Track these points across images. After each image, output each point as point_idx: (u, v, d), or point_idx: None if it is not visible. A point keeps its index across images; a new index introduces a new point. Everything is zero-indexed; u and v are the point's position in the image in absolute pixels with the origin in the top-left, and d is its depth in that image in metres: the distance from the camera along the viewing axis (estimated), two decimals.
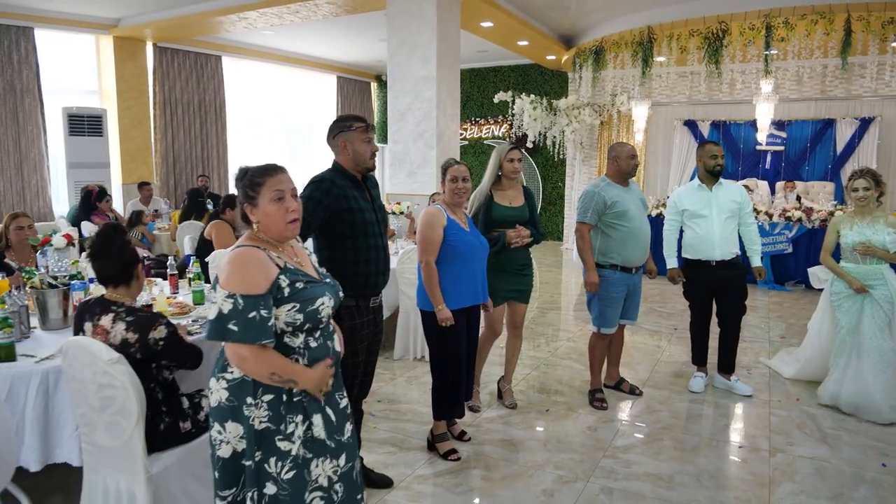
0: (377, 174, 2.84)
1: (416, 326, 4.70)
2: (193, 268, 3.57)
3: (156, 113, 10.08)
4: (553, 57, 10.59)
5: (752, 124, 9.21)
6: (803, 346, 4.52)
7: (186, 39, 10.03)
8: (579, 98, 10.22)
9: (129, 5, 8.47)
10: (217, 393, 1.82)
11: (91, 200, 6.48)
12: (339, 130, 2.63)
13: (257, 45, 10.98)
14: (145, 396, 2.21)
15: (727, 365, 4.22)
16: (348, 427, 1.94)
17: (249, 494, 1.76)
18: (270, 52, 11.35)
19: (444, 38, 6.60)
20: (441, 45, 6.54)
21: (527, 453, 3.30)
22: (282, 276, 1.78)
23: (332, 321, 2.00)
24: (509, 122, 11.71)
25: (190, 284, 3.59)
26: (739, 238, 4.16)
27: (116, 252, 2.36)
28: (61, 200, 9.11)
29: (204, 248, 4.87)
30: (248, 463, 1.76)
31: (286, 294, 1.77)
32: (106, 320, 2.27)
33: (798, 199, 8.53)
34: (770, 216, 7.82)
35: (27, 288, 2.96)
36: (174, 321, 2.69)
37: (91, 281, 3.22)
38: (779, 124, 9.62)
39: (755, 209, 7.81)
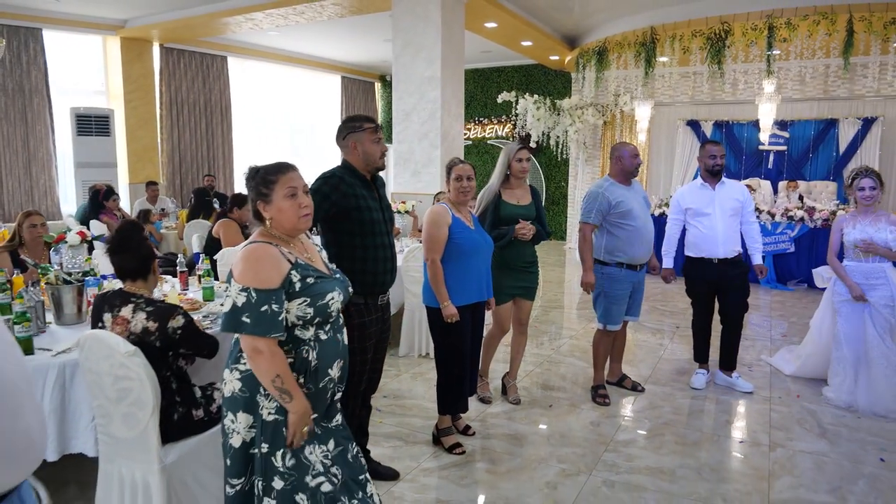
0: (382, 174, 2.89)
1: (421, 324, 4.76)
2: (203, 265, 3.64)
3: (162, 113, 10.17)
4: (556, 57, 10.64)
5: (755, 124, 9.25)
6: (804, 342, 4.57)
7: (192, 40, 10.11)
8: (582, 98, 10.27)
9: (135, 7, 8.56)
10: (231, 383, 1.89)
11: (99, 199, 6.56)
12: (350, 131, 2.67)
13: (262, 45, 11.06)
14: (160, 386, 2.27)
15: (728, 362, 4.27)
16: (338, 417, 2.01)
17: (257, 481, 1.83)
18: (275, 52, 11.43)
19: (449, 39, 6.67)
20: (445, 46, 6.60)
21: (530, 447, 3.36)
22: (293, 272, 1.84)
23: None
24: (513, 122, 11.77)
25: (200, 282, 3.67)
26: (741, 236, 4.22)
27: (136, 247, 2.44)
28: (69, 200, 9.20)
29: (212, 246, 4.94)
30: (254, 451, 1.83)
31: (297, 289, 1.84)
32: (126, 311, 2.34)
33: (800, 198, 8.56)
34: (772, 215, 7.86)
35: (42, 284, 3.04)
36: None
37: (104, 278, 3.29)
38: (781, 124, 9.65)
39: (758, 209, 7.85)
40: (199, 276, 3.69)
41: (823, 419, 3.77)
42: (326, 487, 1.87)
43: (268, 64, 11.67)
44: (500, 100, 10.76)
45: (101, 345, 2.26)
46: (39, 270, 3.05)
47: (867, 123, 9.31)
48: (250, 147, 11.69)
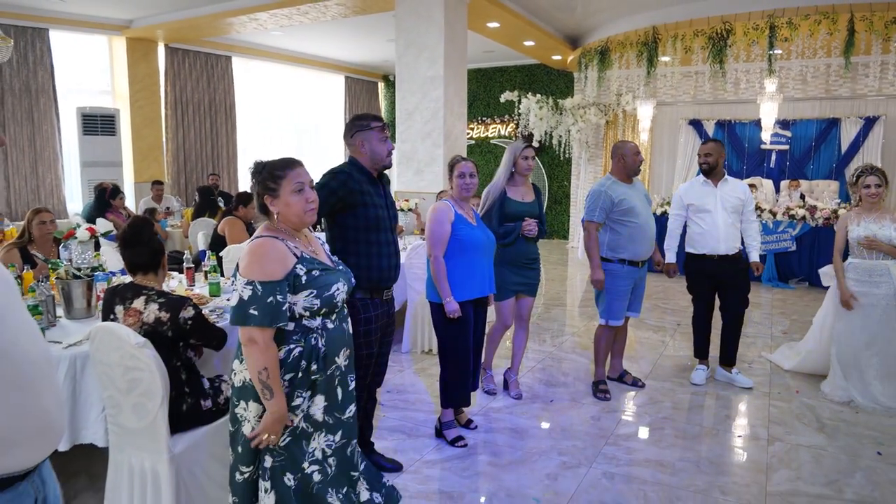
0: (387, 172, 2.94)
1: (424, 320, 4.81)
2: (209, 261, 3.70)
3: (167, 112, 10.24)
4: (559, 57, 10.68)
5: (757, 123, 9.27)
6: (806, 338, 4.60)
7: (197, 40, 10.18)
8: (585, 98, 10.31)
9: (141, 7, 8.63)
10: (241, 373, 1.94)
11: (105, 198, 6.63)
12: (357, 129, 2.72)
13: (267, 45, 11.13)
14: (169, 377, 2.33)
15: (728, 358, 4.31)
16: (351, 408, 2.06)
17: (263, 458, 1.90)
18: (280, 52, 11.50)
19: (452, 39, 6.72)
20: (448, 46, 6.65)
21: (532, 441, 3.41)
22: (299, 266, 1.90)
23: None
24: (516, 122, 11.82)
25: (206, 278, 3.72)
26: (741, 234, 4.26)
27: (147, 241, 2.51)
28: (75, 198, 9.28)
29: (217, 243, 5.00)
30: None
31: (303, 281, 1.89)
32: (139, 303, 2.40)
33: (802, 197, 8.59)
34: (774, 214, 7.89)
35: (52, 279, 3.09)
36: None
37: (113, 274, 3.35)
38: (783, 123, 9.68)
39: (760, 207, 7.88)
40: (206, 273, 3.75)
41: (822, 414, 3.81)
42: (317, 476, 1.92)
43: (272, 64, 11.74)
44: (502, 99, 10.81)
45: (112, 336, 2.31)
46: (50, 266, 3.11)
47: (869, 122, 9.33)
48: (254, 146, 11.76)
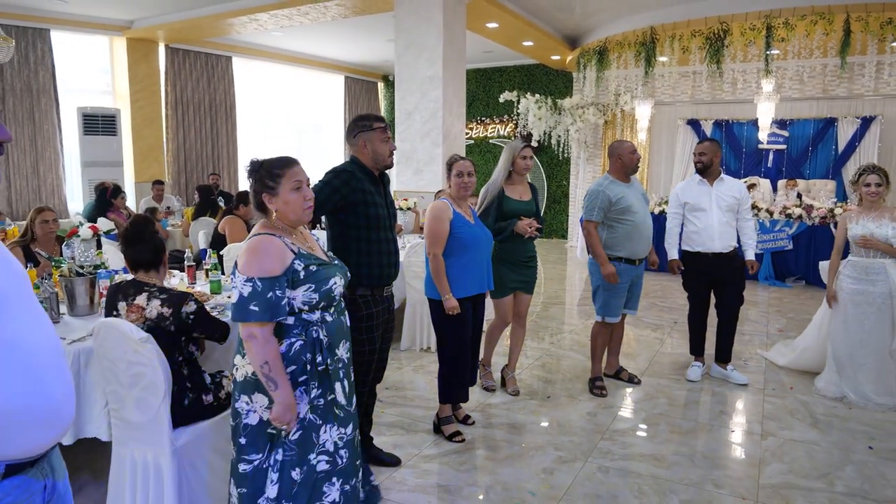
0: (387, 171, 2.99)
1: (423, 318, 4.86)
2: (210, 259, 3.75)
3: (168, 112, 10.29)
4: (558, 57, 10.73)
5: (755, 123, 9.33)
6: (804, 334, 4.63)
7: (198, 41, 10.23)
8: (583, 97, 10.36)
9: (142, 8, 8.68)
10: (243, 368, 1.99)
11: (107, 197, 6.68)
12: (360, 129, 2.76)
13: (267, 45, 11.18)
14: (172, 372, 2.38)
15: (724, 354, 4.36)
16: (354, 399, 2.12)
17: (275, 452, 1.94)
18: (280, 52, 11.55)
19: (450, 39, 6.77)
20: (447, 47, 6.70)
21: (528, 436, 3.46)
22: (297, 261, 1.95)
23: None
24: (514, 122, 11.86)
25: (207, 275, 3.77)
26: (737, 232, 4.31)
27: (149, 239, 2.56)
28: (75, 198, 9.33)
29: (218, 242, 5.05)
30: (273, 430, 1.93)
31: (301, 277, 1.94)
32: (141, 299, 2.45)
33: (799, 196, 8.64)
34: (771, 213, 7.94)
35: (55, 277, 3.14)
36: None
37: (115, 272, 3.40)
38: (781, 123, 9.73)
39: (757, 206, 7.94)
40: (207, 271, 3.80)
41: (816, 410, 3.85)
42: (323, 467, 1.97)
43: (272, 64, 11.79)
44: (501, 99, 10.86)
45: (115, 332, 2.36)
46: (53, 263, 3.15)
47: (866, 122, 9.38)
48: (254, 146, 11.81)
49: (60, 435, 1.31)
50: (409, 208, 6.18)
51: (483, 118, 12.73)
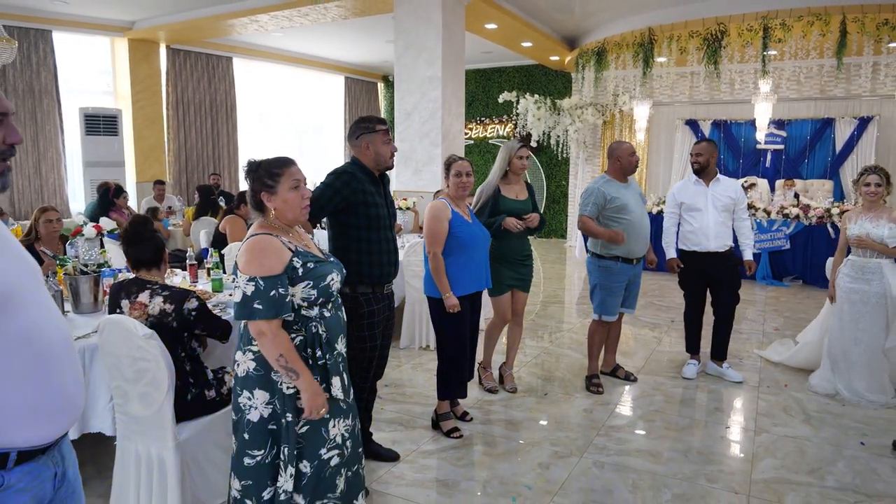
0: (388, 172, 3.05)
1: (422, 317, 4.92)
2: (212, 258, 3.81)
3: (169, 113, 10.34)
4: (556, 58, 10.78)
5: (753, 123, 9.37)
6: (807, 330, 4.67)
7: (198, 41, 10.28)
8: (582, 98, 10.40)
9: (143, 8, 8.73)
10: (244, 364, 2.04)
11: (109, 196, 6.73)
12: (363, 131, 2.81)
13: (267, 46, 11.23)
14: (175, 368, 2.43)
15: (719, 352, 4.41)
16: (351, 392, 2.19)
17: (284, 449, 1.99)
18: (280, 53, 11.60)
19: (449, 40, 6.82)
20: (446, 47, 6.75)
21: (525, 432, 3.51)
22: (295, 259, 2.00)
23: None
24: (514, 122, 11.91)
25: (209, 274, 3.83)
26: (734, 232, 4.36)
27: (150, 237, 2.62)
28: (77, 198, 9.38)
29: (219, 241, 5.11)
30: (282, 421, 1.98)
31: (300, 274, 2.00)
32: (143, 296, 2.51)
33: (796, 196, 8.69)
34: (768, 213, 7.99)
35: (60, 275, 3.20)
36: None
37: (119, 271, 3.45)
38: (779, 123, 9.78)
39: (755, 206, 7.99)
40: (209, 269, 3.85)
41: (809, 407, 3.91)
42: (335, 461, 2.04)
43: (272, 64, 11.84)
44: (501, 100, 10.91)
45: (120, 328, 2.42)
46: (58, 262, 3.21)
47: (863, 122, 9.43)
48: (255, 147, 11.87)
49: (71, 423, 1.37)
50: (408, 208, 6.23)
51: (482, 118, 12.78)
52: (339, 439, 2.06)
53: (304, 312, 2.03)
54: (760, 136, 9.08)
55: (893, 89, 8.81)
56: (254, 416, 2.02)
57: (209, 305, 3.25)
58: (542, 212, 3.95)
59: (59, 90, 8.99)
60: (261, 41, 10.81)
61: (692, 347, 4.52)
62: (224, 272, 4.09)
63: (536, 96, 10.70)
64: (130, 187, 9.49)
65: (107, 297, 2.93)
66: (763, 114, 8.59)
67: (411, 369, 4.53)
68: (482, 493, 2.85)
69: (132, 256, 2.67)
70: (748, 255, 4.32)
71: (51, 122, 8.93)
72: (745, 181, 8.98)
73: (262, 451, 2.03)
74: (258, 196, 2.07)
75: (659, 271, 8.37)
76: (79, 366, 1.39)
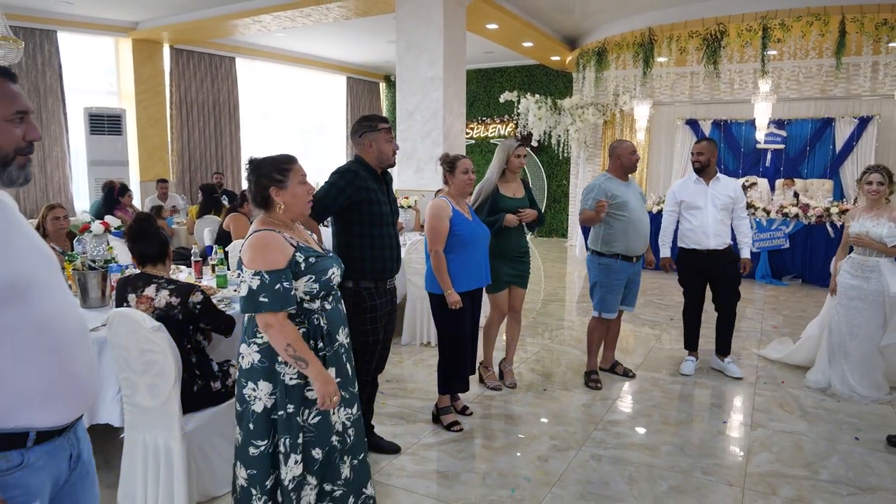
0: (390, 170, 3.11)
1: (423, 314, 4.97)
2: (217, 255, 3.87)
3: (172, 112, 10.42)
4: (557, 58, 10.83)
5: (753, 123, 9.42)
6: (809, 325, 4.71)
7: (202, 41, 10.35)
8: (583, 98, 10.46)
9: (147, 9, 8.80)
10: (249, 356, 2.10)
11: (114, 195, 6.80)
12: (366, 130, 2.87)
13: (270, 46, 11.30)
14: (181, 360, 2.49)
15: (723, 348, 4.47)
16: (356, 384, 2.25)
17: (282, 440, 2.04)
18: (282, 53, 11.68)
19: (451, 40, 6.88)
20: (447, 48, 6.81)
21: (524, 426, 3.57)
22: (298, 254, 2.07)
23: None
24: (515, 122, 11.97)
25: (214, 271, 3.89)
26: (732, 230, 4.41)
27: (154, 233, 2.70)
28: (82, 196, 9.46)
29: (222, 238, 5.17)
30: (280, 413, 2.04)
31: (303, 268, 2.06)
32: (150, 290, 2.57)
33: (795, 195, 8.73)
34: (768, 212, 8.03)
35: (69, 271, 3.26)
36: None
37: (126, 266, 3.52)
38: (779, 123, 9.82)
39: (754, 205, 8.03)
40: (213, 266, 3.92)
41: (805, 403, 3.96)
42: (339, 446, 2.10)
43: (274, 64, 11.92)
44: (502, 99, 10.97)
45: (129, 321, 2.48)
46: (66, 258, 3.27)
47: (863, 122, 9.47)
48: (257, 146, 11.94)
49: (86, 406, 1.43)
50: (409, 206, 6.29)
51: (484, 118, 12.84)
52: (339, 427, 2.12)
53: (306, 305, 2.09)
54: (760, 135, 9.13)
55: (893, 89, 8.85)
56: (258, 407, 2.08)
57: (214, 300, 3.33)
58: (540, 210, 4.00)
59: (64, 90, 9.07)
60: (263, 41, 10.88)
61: (690, 344, 4.57)
62: (228, 269, 4.15)
63: (537, 96, 10.75)
64: (134, 186, 9.56)
65: (114, 291, 2.99)
66: (763, 113, 8.64)
67: (412, 365, 4.59)
68: (482, 485, 2.91)
69: (138, 252, 2.74)
70: (745, 254, 4.37)
71: (56, 121, 9.01)
72: (746, 180, 9.01)
73: (266, 441, 2.09)
74: (266, 191, 2.12)
75: (658, 270, 8.43)
76: (93, 352, 1.45)
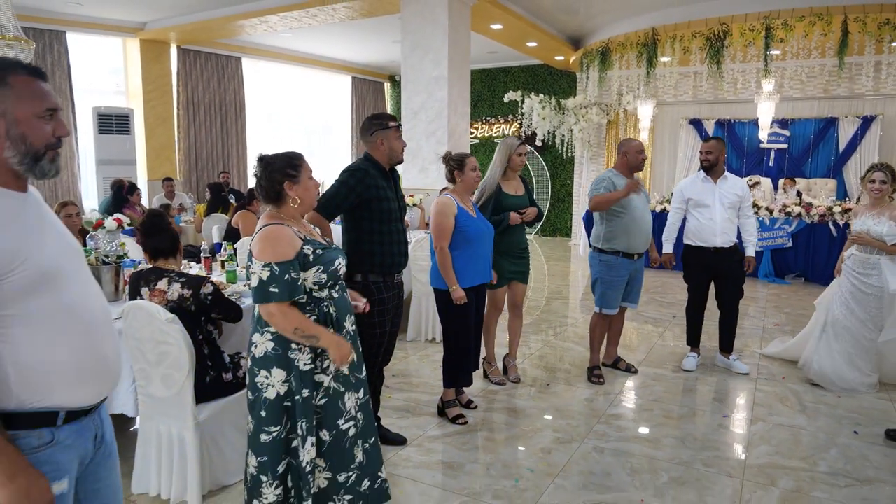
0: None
1: (428, 310, 5.04)
2: (226, 251, 3.95)
3: (179, 112, 10.52)
4: (561, 57, 10.89)
5: (756, 122, 9.45)
6: (809, 323, 4.77)
7: (208, 42, 10.45)
8: (587, 97, 10.51)
9: (154, 10, 8.90)
10: (262, 345, 2.17)
11: (123, 193, 6.90)
12: (378, 128, 2.95)
13: (276, 46, 11.39)
14: (193, 352, 2.57)
15: (727, 345, 4.52)
16: (363, 369, 2.33)
17: (300, 424, 2.12)
18: (288, 53, 11.77)
19: (455, 40, 6.94)
20: (452, 48, 6.87)
21: (528, 419, 3.63)
22: (306, 246, 2.15)
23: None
24: (519, 121, 12.03)
25: (223, 266, 3.97)
26: (738, 229, 4.46)
27: (166, 228, 2.78)
28: (90, 195, 9.56)
29: (231, 235, 5.26)
30: (297, 398, 2.11)
31: (311, 259, 2.14)
32: (162, 284, 2.65)
33: (798, 194, 8.77)
34: (771, 211, 8.07)
35: None
36: None
37: (138, 262, 3.60)
38: (782, 122, 9.85)
39: (757, 205, 8.07)
40: (223, 262, 4.00)
41: (805, 398, 4.01)
42: (352, 431, 2.19)
43: (280, 64, 12.01)
44: (506, 99, 11.03)
45: (144, 313, 2.56)
46: None
47: (866, 122, 9.50)
48: (263, 145, 12.04)
49: (111, 388, 1.50)
50: (414, 205, 6.36)
51: (488, 118, 12.90)
52: (353, 411, 2.21)
53: (315, 294, 2.17)
54: (763, 135, 9.16)
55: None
56: (270, 394, 2.15)
57: (224, 294, 3.41)
58: (539, 206, 4.09)
59: (73, 90, 9.18)
60: (269, 41, 10.97)
61: (693, 340, 4.62)
62: (237, 265, 4.23)
63: (541, 96, 10.81)
64: (142, 185, 9.66)
65: (127, 286, 3.07)
66: (766, 113, 8.67)
67: (417, 360, 4.66)
68: (486, 475, 2.98)
69: (150, 247, 2.82)
70: (750, 252, 4.41)
71: (65, 120, 9.09)
72: (749, 180, 9.05)
73: (278, 427, 2.16)
74: (280, 186, 2.19)
75: (661, 268, 8.47)
76: (116, 336, 1.53)
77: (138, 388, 2.73)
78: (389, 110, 14.40)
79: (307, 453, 2.13)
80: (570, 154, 11.37)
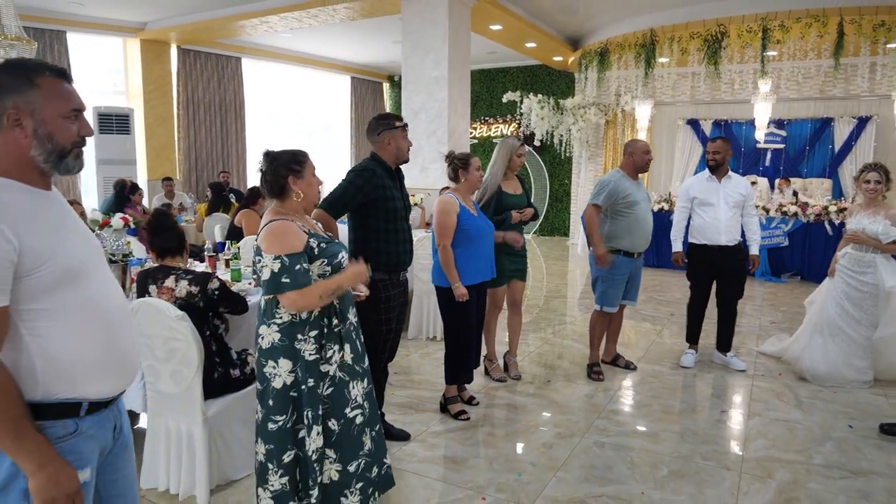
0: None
1: (430, 308, 5.09)
2: (230, 250, 3.99)
3: (179, 112, 10.55)
4: (560, 58, 10.95)
5: (753, 123, 9.53)
6: (804, 322, 4.84)
7: (208, 42, 10.48)
8: (585, 98, 10.57)
9: (155, 10, 8.93)
10: (269, 336, 2.22)
11: (125, 193, 6.93)
12: (385, 128, 3.00)
13: (275, 46, 11.43)
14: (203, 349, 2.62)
15: (725, 343, 4.58)
16: (366, 359, 2.39)
17: (306, 413, 2.17)
18: (288, 53, 11.81)
19: (455, 41, 6.99)
20: (452, 48, 6.93)
21: (529, 415, 3.69)
22: (311, 240, 2.21)
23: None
24: (518, 122, 12.08)
25: (228, 265, 4.01)
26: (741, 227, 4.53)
27: (173, 227, 2.83)
28: (90, 195, 9.59)
29: (233, 234, 5.30)
30: (302, 388, 2.17)
31: (316, 253, 2.21)
32: (170, 281, 2.70)
33: (795, 194, 8.85)
34: (767, 211, 8.15)
35: None
36: None
37: (144, 260, 3.64)
38: (779, 123, 9.93)
39: (754, 204, 8.13)
40: (227, 261, 4.04)
41: (801, 393, 4.07)
42: (360, 419, 2.25)
43: (280, 65, 12.05)
44: (505, 99, 11.08)
45: (154, 310, 2.60)
46: None
47: (862, 122, 9.58)
48: (263, 145, 12.05)
49: (130, 380, 1.55)
50: (415, 204, 6.40)
51: (487, 118, 12.95)
52: (359, 399, 2.26)
53: None
54: (760, 135, 9.24)
55: (891, 89, 8.96)
56: (277, 384, 2.20)
57: None
58: (535, 206, 4.18)
59: None
60: (269, 42, 11.00)
61: (692, 338, 4.68)
62: (241, 263, 4.27)
63: (540, 96, 10.86)
64: (142, 185, 9.66)
65: (134, 284, 3.12)
66: (763, 113, 8.75)
67: (419, 358, 4.71)
68: (489, 469, 3.03)
69: (157, 246, 2.87)
70: (754, 251, 4.46)
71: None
72: (746, 179, 9.12)
73: (284, 416, 2.22)
74: (284, 180, 2.25)
75: (660, 267, 8.55)
76: (134, 331, 1.58)
77: (147, 385, 2.77)
78: (388, 110, 14.45)
79: (313, 442, 2.18)
80: (568, 154, 11.43)
